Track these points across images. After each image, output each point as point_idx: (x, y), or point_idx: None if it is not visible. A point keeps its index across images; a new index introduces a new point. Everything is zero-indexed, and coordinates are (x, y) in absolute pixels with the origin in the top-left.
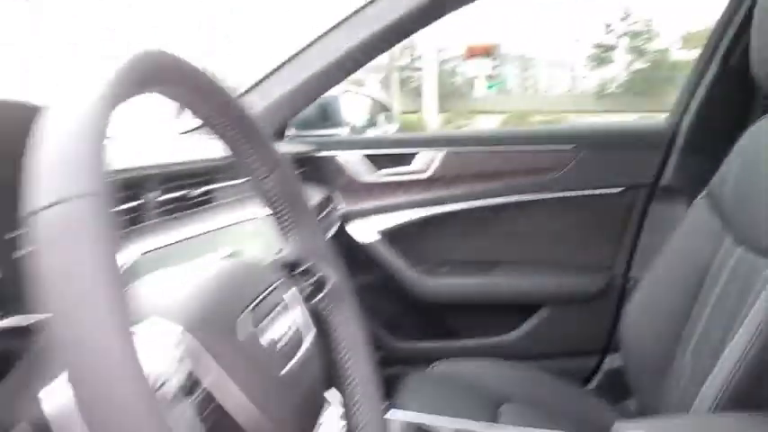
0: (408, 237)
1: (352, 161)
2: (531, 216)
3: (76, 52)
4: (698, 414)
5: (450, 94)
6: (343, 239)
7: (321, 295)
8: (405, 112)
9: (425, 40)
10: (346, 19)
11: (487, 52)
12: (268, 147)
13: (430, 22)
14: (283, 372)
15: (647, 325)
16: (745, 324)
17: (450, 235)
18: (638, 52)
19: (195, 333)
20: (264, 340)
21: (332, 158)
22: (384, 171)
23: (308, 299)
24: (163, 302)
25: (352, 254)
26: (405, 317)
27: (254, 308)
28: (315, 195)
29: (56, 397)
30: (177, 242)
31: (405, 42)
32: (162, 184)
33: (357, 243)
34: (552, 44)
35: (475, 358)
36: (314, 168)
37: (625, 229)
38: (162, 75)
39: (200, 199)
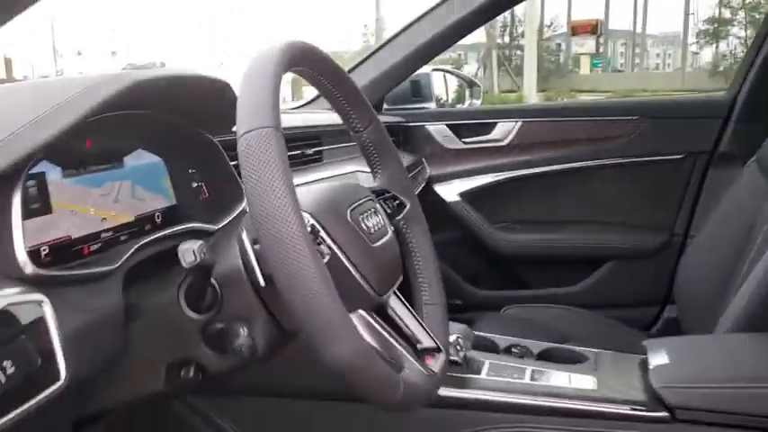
0: (487, 197)
1: (439, 131)
2: (599, 180)
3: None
4: (716, 334)
5: (554, 73)
6: (429, 199)
7: (400, 216)
8: (504, 91)
9: (528, 17)
10: (430, 10)
11: (593, 29)
12: (367, 108)
13: (504, 10)
14: (375, 245)
15: (699, 276)
16: (764, 258)
17: (525, 196)
18: (757, 25)
19: (316, 217)
20: (363, 225)
21: (421, 128)
22: (466, 140)
23: (390, 217)
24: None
25: (437, 212)
26: (482, 268)
27: (355, 207)
28: (406, 159)
29: (246, 242)
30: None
31: (506, 20)
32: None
33: (442, 202)
34: (663, 19)
35: (543, 305)
36: (405, 137)
37: (685, 192)
38: (303, 56)
39: (312, 157)
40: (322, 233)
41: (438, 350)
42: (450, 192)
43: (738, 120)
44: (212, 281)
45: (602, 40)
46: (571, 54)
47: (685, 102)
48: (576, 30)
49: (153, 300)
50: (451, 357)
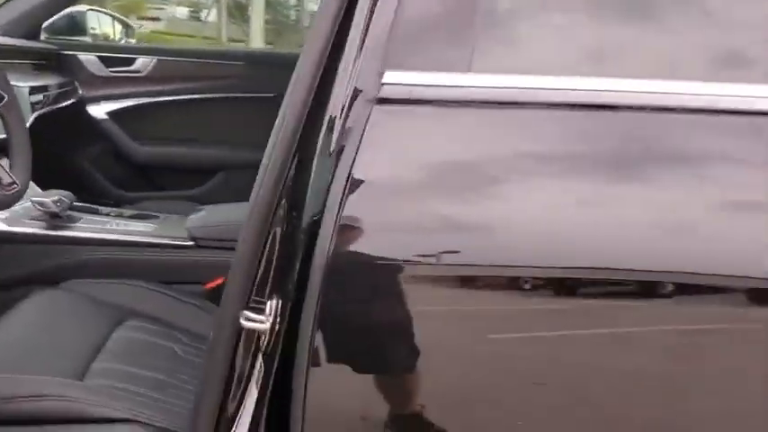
0: (130, 118)
1: (90, 60)
2: (216, 109)
3: None
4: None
5: (289, 28)
6: (82, 117)
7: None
8: (232, 41)
9: None
10: None
11: None
12: None
13: None
14: None
15: None
16: None
17: (160, 118)
18: None
19: None
20: None
21: (74, 57)
22: (112, 69)
23: None
24: None
25: (89, 128)
26: (128, 175)
27: None
28: (56, 79)
29: None
30: None
31: None
32: None
33: (93, 120)
34: None
35: (172, 200)
36: (59, 63)
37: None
38: None
39: None
40: None
41: (13, 184)
42: (99, 111)
43: None
44: None
45: None
46: (307, 11)
47: (279, 54)
48: None
49: None
50: (53, 210)
